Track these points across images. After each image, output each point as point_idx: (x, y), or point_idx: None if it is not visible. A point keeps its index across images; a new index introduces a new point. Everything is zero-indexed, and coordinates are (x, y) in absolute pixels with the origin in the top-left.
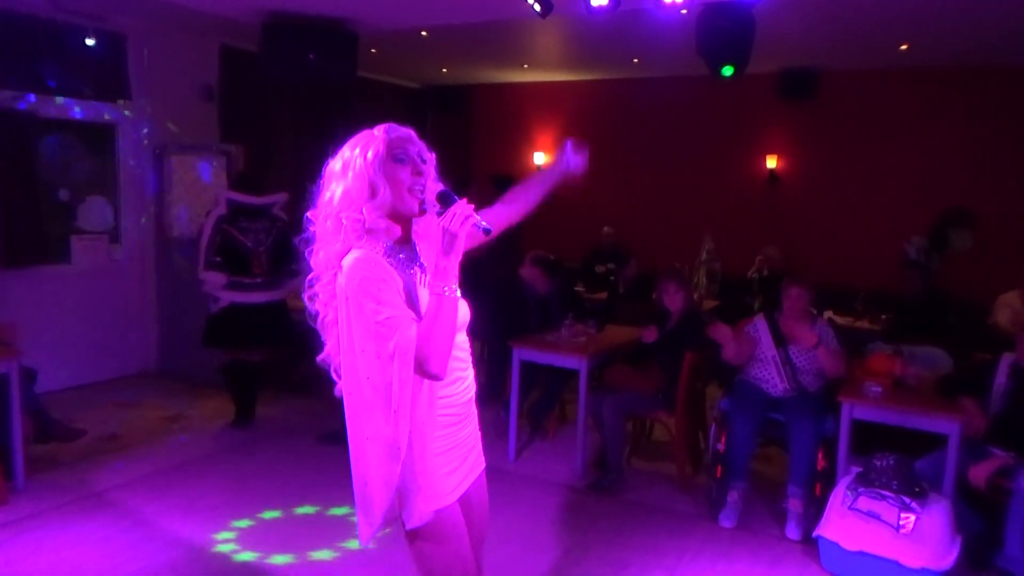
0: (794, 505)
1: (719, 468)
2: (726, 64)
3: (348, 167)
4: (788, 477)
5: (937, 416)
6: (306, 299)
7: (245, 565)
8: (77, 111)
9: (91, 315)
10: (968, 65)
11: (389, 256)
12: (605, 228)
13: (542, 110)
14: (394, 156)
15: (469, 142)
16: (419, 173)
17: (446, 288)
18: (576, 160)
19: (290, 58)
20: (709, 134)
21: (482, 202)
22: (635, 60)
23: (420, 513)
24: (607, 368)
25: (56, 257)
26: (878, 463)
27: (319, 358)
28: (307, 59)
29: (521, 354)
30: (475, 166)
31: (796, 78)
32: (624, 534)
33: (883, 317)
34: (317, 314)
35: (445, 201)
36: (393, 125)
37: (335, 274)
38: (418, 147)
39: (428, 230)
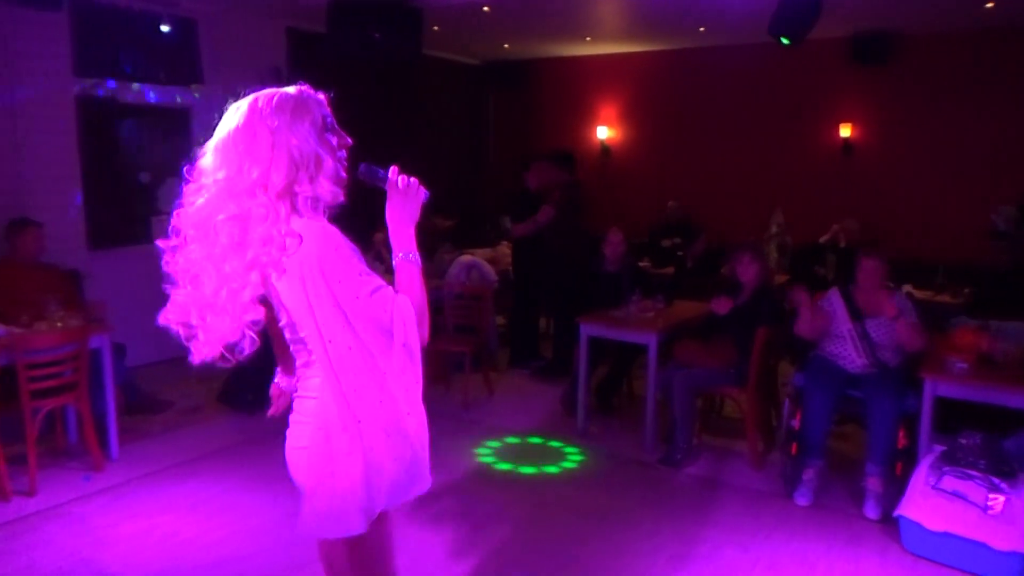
0: (873, 484)
1: (794, 445)
2: (784, 34)
3: (281, 132)
4: (867, 455)
5: None
6: (176, 273)
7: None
8: (153, 96)
9: None
10: None
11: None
12: (670, 202)
13: (605, 83)
14: (326, 124)
15: (531, 118)
16: (345, 145)
17: (411, 254)
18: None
19: (356, 37)
20: (779, 103)
21: (542, 178)
22: (701, 29)
23: (360, 518)
24: (676, 344)
25: (139, 237)
26: (964, 441)
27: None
28: (372, 37)
29: (589, 330)
30: (537, 142)
31: (870, 42)
32: (696, 509)
33: (965, 291)
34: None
35: (371, 173)
36: (308, 87)
37: (279, 251)
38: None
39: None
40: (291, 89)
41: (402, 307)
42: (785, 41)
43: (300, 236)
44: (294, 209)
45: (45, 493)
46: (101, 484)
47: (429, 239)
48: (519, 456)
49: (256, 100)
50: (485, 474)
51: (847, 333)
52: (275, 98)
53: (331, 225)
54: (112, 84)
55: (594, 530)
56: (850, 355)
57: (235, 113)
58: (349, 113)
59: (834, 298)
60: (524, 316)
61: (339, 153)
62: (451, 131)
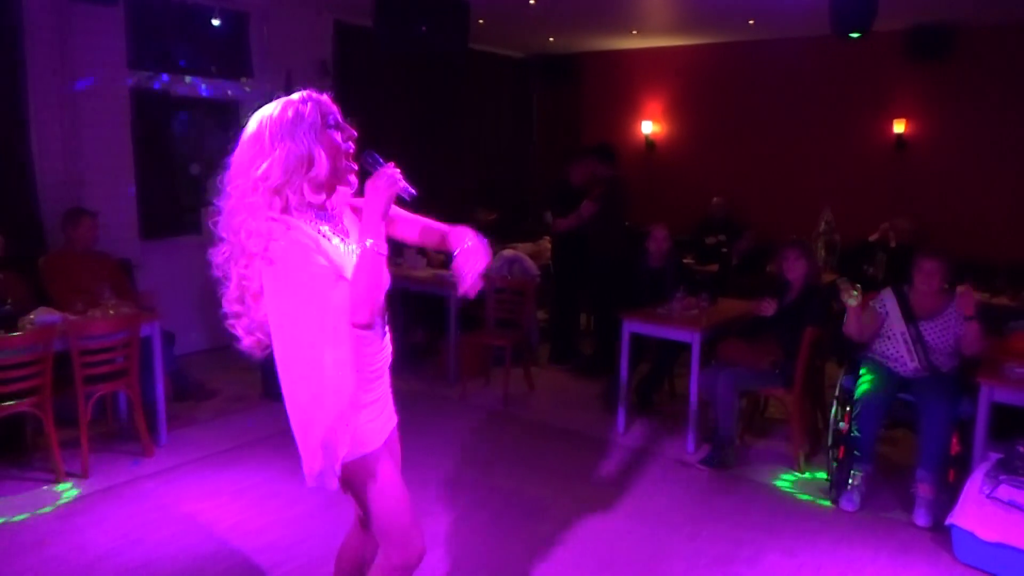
0: (923, 490)
1: (841, 449)
2: (853, 28)
3: (280, 137)
4: (917, 461)
5: None
6: (215, 267)
7: None
8: (204, 89)
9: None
10: None
11: (314, 223)
12: (714, 198)
13: (651, 77)
14: (328, 122)
15: (576, 112)
16: (351, 137)
17: (371, 243)
18: (469, 284)
19: (402, 30)
20: (829, 98)
21: (584, 172)
22: (751, 22)
23: (350, 453)
24: (720, 342)
25: (188, 228)
26: (1022, 449)
27: (224, 311)
28: (419, 31)
29: (631, 326)
30: (581, 136)
31: (928, 36)
32: (738, 511)
33: None
34: (224, 281)
35: (373, 160)
36: (313, 91)
37: (262, 245)
38: (337, 111)
39: (345, 197)
40: (295, 96)
41: (336, 299)
42: (855, 35)
43: (278, 230)
44: (287, 207)
45: (97, 476)
46: (150, 468)
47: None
48: (561, 452)
49: (266, 108)
50: (525, 469)
51: (900, 335)
52: (279, 104)
53: (293, 222)
54: (165, 77)
55: (633, 530)
56: (902, 358)
57: (251, 122)
58: (393, 106)
59: (887, 298)
60: (565, 311)
61: (344, 146)
62: (495, 125)
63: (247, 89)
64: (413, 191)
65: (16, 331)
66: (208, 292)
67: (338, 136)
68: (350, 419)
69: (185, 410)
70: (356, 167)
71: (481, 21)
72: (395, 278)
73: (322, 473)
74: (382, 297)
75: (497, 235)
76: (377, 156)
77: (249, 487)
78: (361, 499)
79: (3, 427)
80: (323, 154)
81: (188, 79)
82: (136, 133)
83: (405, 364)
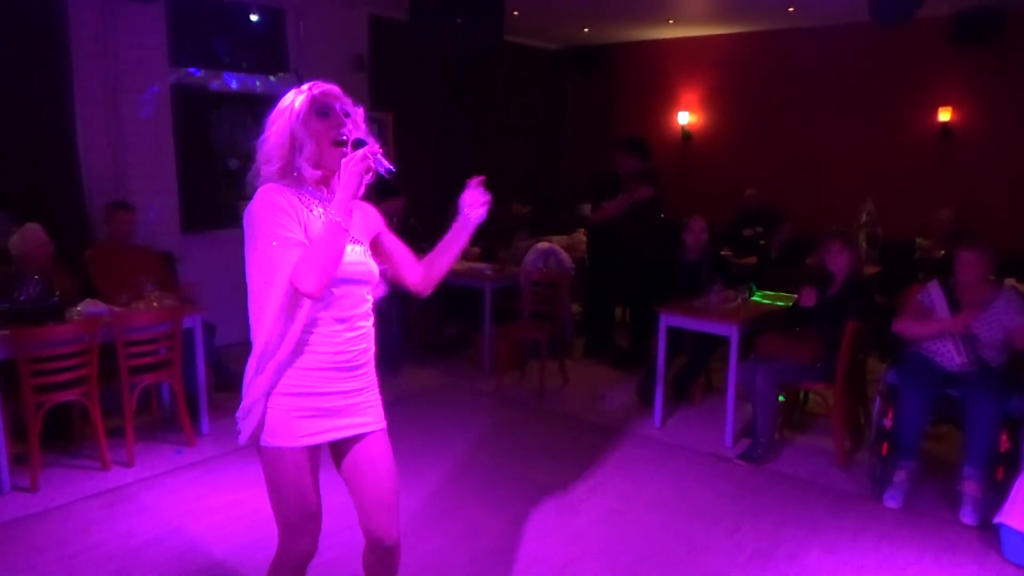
0: (970, 488)
1: (885, 445)
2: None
3: (275, 121)
4: (964, 458)
5: None
6: None
7: None
8: (242, 84)
9: None
10: None
11: (298, 192)
12: (748, 190)
13: (687, 67)
14: (317, 111)
15: (610, 103)
16: (341, 125)
17: (334, 214)
18: (477, 210)
19: (437, 23)
20: (871, 87)
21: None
22: (790, 9)
23: (265, 436)
24: (758, 336)
25: (227, 221)
26: None
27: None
28: (454, 24)
29: (668, 320)
30: (616, 128)
31: (975, 20)
32: (778, 507)
33: None
34: None
35: (359, 146)
36: (318, 82)
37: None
38: (342, 102)
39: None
40: (304, 86)
41: (288, 262)
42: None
43: (263, 190)
44: (281, 178)
45: (141, 465)
46: (192, 458)
47: (505, 226)
48: (596, 446)
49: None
50: (560, 463)
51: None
52: (289, 94)
53: (275, 186)
54: (205, 73)
55: (671, 525)
56: (949, 352)
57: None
58: (428, 99)
59: (934, 292)
60: (599, 304)
61: (331, 134)
62: (529, 117)
63: (284, 85)
64: (390, 166)
65: (64, 322)
66: (246, 284)
67: (322, 124)
68: (271, 395)
69: (226, 401)
70: (346, 154)
71: (516, 13)
72: None
73: (238, 420)
74: (332, 271)
75: (531, 228)
76: (364, 140)
77: None
78: (265, 474)
79: (53, 416)
80: (307, 139)
81: (226, 74)
82: (177, 128)
83: (439, 357)
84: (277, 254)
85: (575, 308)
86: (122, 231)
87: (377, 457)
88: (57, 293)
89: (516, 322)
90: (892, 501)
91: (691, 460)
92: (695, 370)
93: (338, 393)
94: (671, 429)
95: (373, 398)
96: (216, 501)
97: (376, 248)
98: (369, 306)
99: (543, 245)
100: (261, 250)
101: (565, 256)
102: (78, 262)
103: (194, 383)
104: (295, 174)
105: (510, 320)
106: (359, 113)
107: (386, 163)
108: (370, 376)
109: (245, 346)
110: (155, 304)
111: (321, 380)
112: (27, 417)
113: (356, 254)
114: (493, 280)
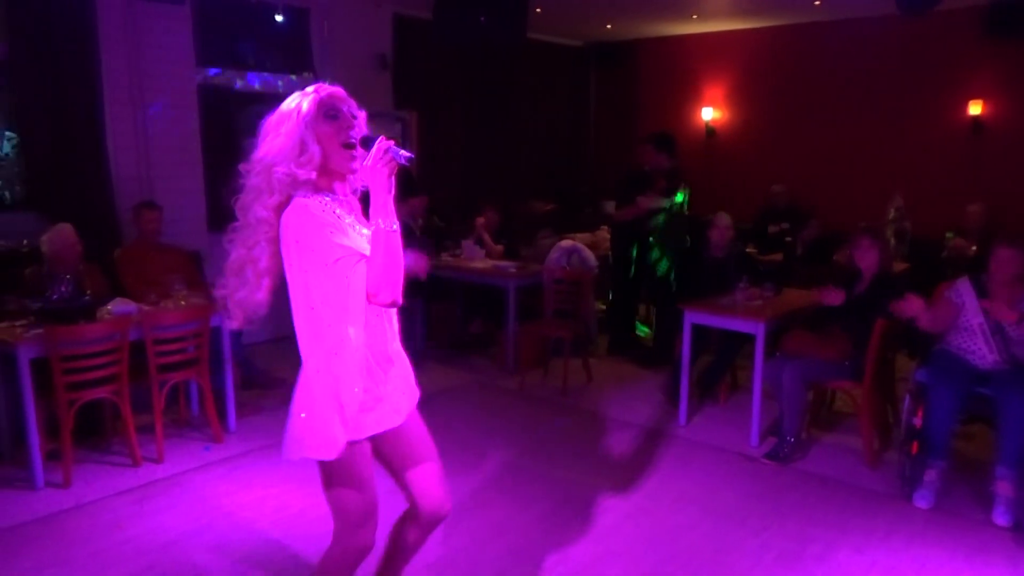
0: (1003, 488)
1: (915, 444)
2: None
3: (280, 124)
4: (997, 457)
5: None
6: (226, 243)
7: None
8: (267, 84)
9: None
10: None
11: (329, 206)
12: (774, 186)
13: (711, 62)
14: (325, 114)
15: (633, 100)
16: (350, 127)
17: (383, 222)
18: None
19: (461, 21)
20: (899, 80)
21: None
22: (816, 2)
23: (334, 445)
24: (785, 334)
25: None
26: None
27: (217, 292)
28: (478, 22)
29: (693, 317)
30: (640, 125)
31: (1010, 11)
32: (806, 507)
33: None
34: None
35: (368, 145)
36: (323, 84)
37: (272, 223)
38: (348, 104)
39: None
40: (310, 89)
41: (356, 276)
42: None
43: (287, 212)
44: (294, 188)
45: (170, 461)
46: (220, 455)
47: (528, 224)
48: (621, 444)
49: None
50: (585, 461)
51: (977, 327)
52: (292, 97)
53: (315, 200)
54: (231, 73)
55: (697, 525)
56: (980, 350)
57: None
58: (451, 97)
59: (964, 288)
60: (623, 302)
61: (340, 136)
62: (552, 114)
63: (303, 84)
64: (409, 153)
65: (95, 321)
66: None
67: (331, 127)
68: (339, 396)
69: (252, 398)
70: (355, 156)
71: (539, 10)
72: (453, 269)
73: (299, 441)
74: (401, 276)
75: (554, 226)
76: (372, 138)
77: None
78: (325, 477)
79: (84, 414)
80: (314, 143)
81: (250, 75)
82: (203, 128)
83: (463, 355)
84: (342, 271)
85: (598, 306)
86: (150, 230)
87: (419, 436)
88: (88, 292)
89: (540, 320)
90: (922, 501)
91: (717, 459)
92: (721, 368)
93: (385, 381)
94: (696, 427)
95: (405, 370)
96: (244, 497)
97: None
98: None
99: (566, 243)
100: (319, 267)
101: (588, 254)
102: (107, 261)
103: (222, 381)
104: (296, 181)
105: (534, 318)
106: (363, 116)
107: (405, 152)
108: (401, 354)
109: (272, 344)
110: (183, 303)
111: (374, 373)
112: (59, 414)
113: None
114: (516, 278)
